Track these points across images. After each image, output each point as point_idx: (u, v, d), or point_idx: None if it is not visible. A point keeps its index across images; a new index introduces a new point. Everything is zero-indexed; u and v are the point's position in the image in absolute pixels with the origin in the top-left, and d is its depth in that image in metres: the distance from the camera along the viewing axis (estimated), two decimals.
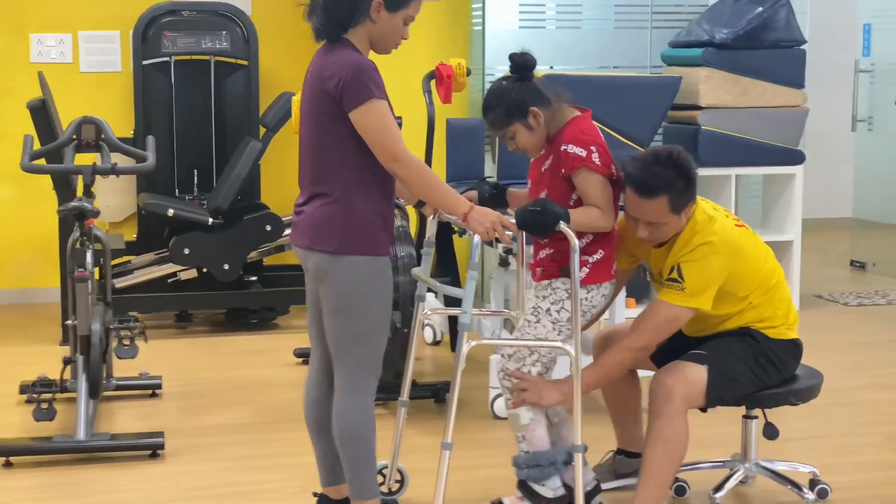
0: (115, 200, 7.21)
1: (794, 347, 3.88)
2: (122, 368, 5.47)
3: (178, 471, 4.43)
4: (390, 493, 4.07)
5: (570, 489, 3.89)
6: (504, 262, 5.27)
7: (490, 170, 6.11)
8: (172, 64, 7.09)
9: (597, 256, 3.74)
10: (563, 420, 3.89)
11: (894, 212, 8.41)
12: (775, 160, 7.09)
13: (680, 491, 4.08)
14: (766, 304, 3.80)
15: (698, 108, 6.95)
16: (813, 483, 4.10)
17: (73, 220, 4.77)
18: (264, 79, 7.21)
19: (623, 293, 4.99)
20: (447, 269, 5.90)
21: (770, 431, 4.00)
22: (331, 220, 3.45)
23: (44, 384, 4.89)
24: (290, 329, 6.64)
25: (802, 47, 7.08)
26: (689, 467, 4.13)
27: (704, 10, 7.32)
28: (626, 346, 3.73)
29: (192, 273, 6.65)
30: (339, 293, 3.48)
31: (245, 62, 7.17)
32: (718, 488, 3.98)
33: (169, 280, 6.66)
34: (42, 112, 6.04)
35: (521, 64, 3.77)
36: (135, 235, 7.11)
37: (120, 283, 6.51)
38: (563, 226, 3.56)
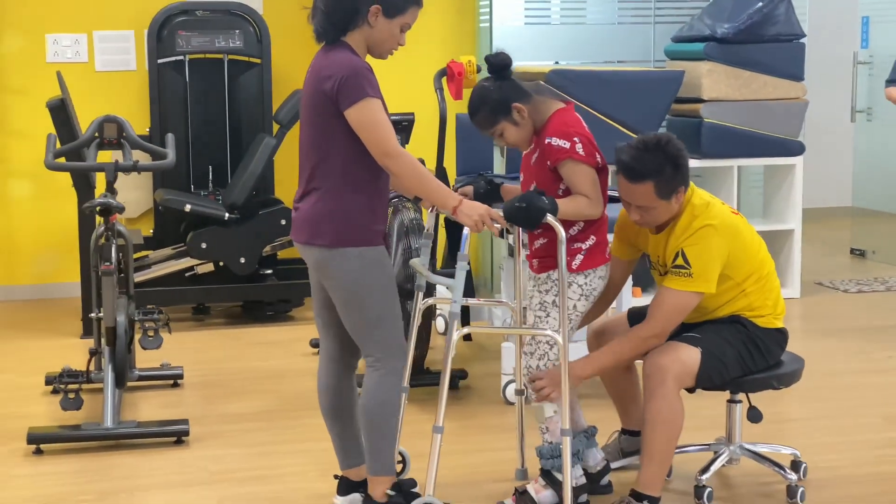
0: (131, 197, 7.37)
1: (781, 336, 4.02)
2: (144, 360, 5.64)
3: (202, 456, 4.59)
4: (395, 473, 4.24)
5: (589, 475, 4.06)
6: (513, 253, 5.42)
7: (499, 164, 6.26)
8: (187, 63, 7.25)
9: (589, 242, 3.89)
10: (574, 405, 4.05)
11: (893, 200, 8.56)
12: (776, 151, 7.24)
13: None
14: (758, 292, 3.93)
15: (701, 101, 7.10)
16: (795, 464, 4.22)
17: (99, 215, 4.93)
18: (277, 76, 7.37)
19: (630, 282, 5.14)
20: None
21: (754, 415, 4.10)
22: (325, 215, 3.63)
23: (70, 375, 5.04)
24: (305, 320, 6.80)
25: (802, 41, 7.23)
26: (676, 450, 4.27)
27: (706, 6, 7.47)
28: (640, 336, 3.85)
29: (209, 267, 6.80)
30: (343, 286, 3.66)
31: (258, 60, 7.33)
32: (704, 470, 4.07)
33: (186, 274, 6.82)
34: (61, 111, 6.19)
35: (497, 64, 3.91)
36: (152, 231, 7.27)
37: (138, 277, 6.66)
38: (549, 218, 3.71)
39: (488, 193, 4.08)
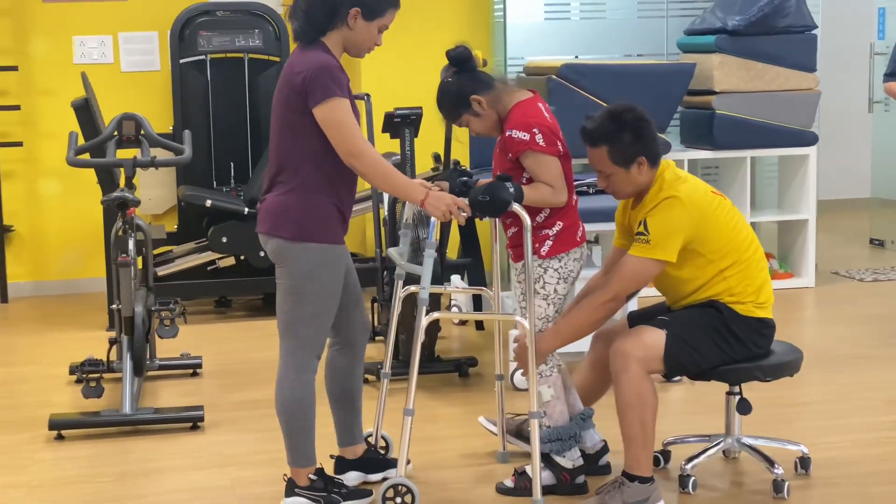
0: (156, 194, 7.56)
1: (763, 325, 3.97)
2: (164, 350, 5.82)
3: (217, 441, 4.75)
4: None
5: (587, 456, 4.16)
6: None
7: None
8: (208, 62, 7.42)
9: (556, 228, 3.99)
10: (569, 387, 4.17)
11: None
12: (789, 142, 7.31)
13: (655, 462, 4.13)
14: (738, 276, 3.91)
15: (713, 93, 7.18)
16: (804, 461, 4.23)
17: (116, 209, 5.10)
18: None
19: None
20: (469, 250, 6.17)
21: (743, 406, 4.11)
22: (289, 208, 3.76)
23: (91, 364, 5.21)
24: None
25: (814, 32, 7.29)
26: (676, 440, 4.35)
27: None
28: (597, 301, 3.91)
29: (230, 260, 6.97)
30: (293, 276, 3.79)
31: (277, 59, 7.49)
32: (690, 459, 4.12)
33: (208, 268, 6.99)
34: (85, 110, 6.36)
35: (456, 57, 4.05)
36: (176, 226, 7.45)
37: (162, 271, 6.84)
38: (515, 206, 3.83)
39: (464, 186, 4.12)
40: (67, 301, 7.48)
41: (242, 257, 6.93)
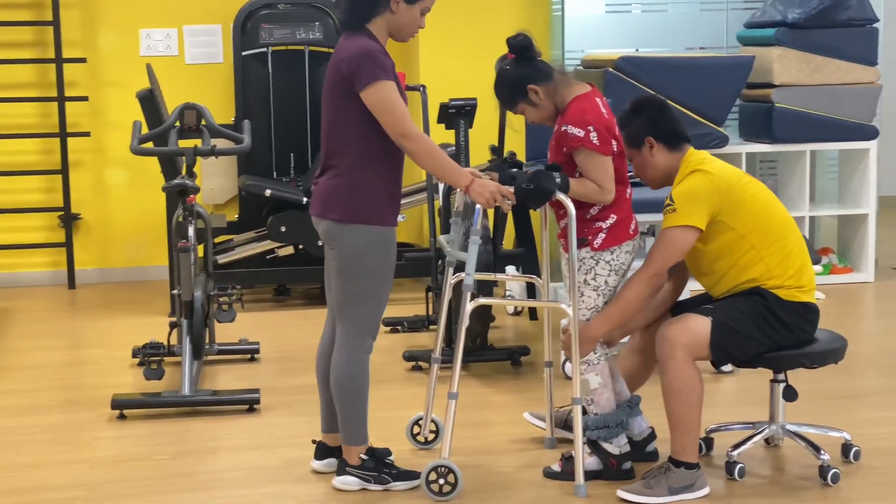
0: (218, 184, 7.70)
1: (807, 310, 3.99)
2: (224, 336, 5.94)
3: (272, 423, 4.86)
4: (426, 442, 4.44)
5: (634, 443, 4.20)
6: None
7: None
8: (269, 54, 7.55)
9: (610, 221, 4.02)
10: (615, 375, 4.21)
11: None
12: (849, 136, 7.27)
13: (698, 449, 4.12)
14: (776, 257, 3.94)
15: (772, 86, 7.16)
16: (846, 448, 4.25)
17: (177, 196, 5.23)
18: None
19: None
20: (524, 240, 6.23)
21: (789, 393, 4.13)
22: (339, 190, 3.86)
23: (153, 347, 5.34)
24: None
25: (875, 25, 7.24)
26: (719, 427, 4.37)
27: None
28: (638, 278, 3.96)
29: (289, 249, 7.08)
30: (343, 257, 3.88)
31: None
32: (737, 446, 4.15)
33: (267, 257, 7.12)
34: (150, 101, 6.51)
35: (516, 45, 4.08)
36: (236, 216, 7.59)
37: (223, 259, 6.98)
38: (560, 195, 3.88)
39: (511, 180, 4.17)
40: (131, 288, 7.65)
41: (301, 246, 7.04)
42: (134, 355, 5.68)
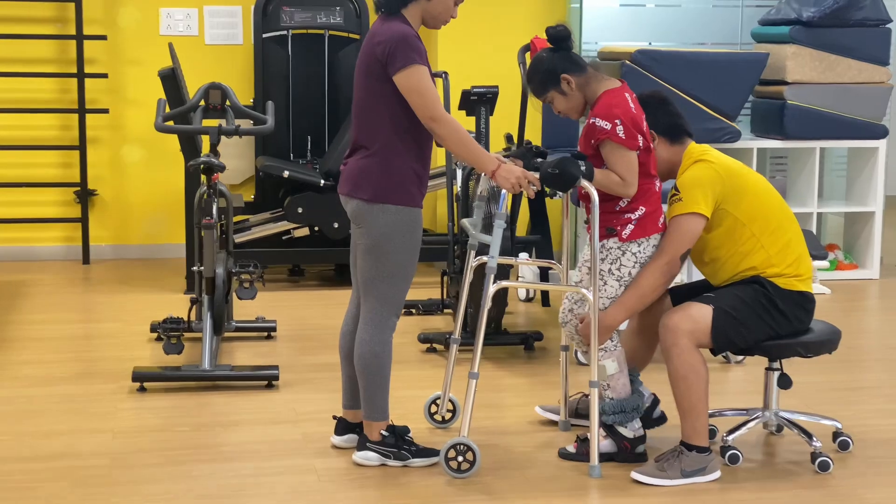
0: (235, 164, 7.78)
1: (804, 300, 4.09)
2: (240, 314, 6.03)
3: (291, 398, 4.95)
4: (443, 420, 4.54)
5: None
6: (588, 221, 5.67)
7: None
8: (290, 37, 7.62)
9: (639, 213, 4.09)
10: (621, 365, 4.28)
11: None
12: (859, 134, 7.36)
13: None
14: (775, 245, 4.05)
15: (785, 83, 7.25)
16: (836, 435, 4.35)
17: (202, 174, 5.32)
18: None
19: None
20: (538, 227, 6.32)
21: (784, 381, 4.25)
22: (369, 171, 3.94)
23: (173, 322, 5.43)
24: None
25: (888, 26, 7.33)
26: (714, 412, 4.39)
27: None
28: (652, 267, 4.07)
29: (305, 231, 7.17)
30: (371, 236, 3.97)
31: (357, 36, 7.67)
32: (731, 431, 4.25)
33: (283, 237, 7.20)
34: (172, 80, 6.59)
35: (555, 35, 4.16)
36: (253, 196, 7.67)
37: (239, 238, 7.06)
38: (584, 182, 3.97)
39: (534, 170, 4.21)
40: (146, 265, 7.74)
41: (317, 228, 7.12)
42: (153, 330, 5.77)
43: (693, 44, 7.78)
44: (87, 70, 7.69)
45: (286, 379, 5.16)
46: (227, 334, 5.79)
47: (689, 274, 5.73)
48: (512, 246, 5.58)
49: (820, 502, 3.92)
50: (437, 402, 4.56)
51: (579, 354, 5.38)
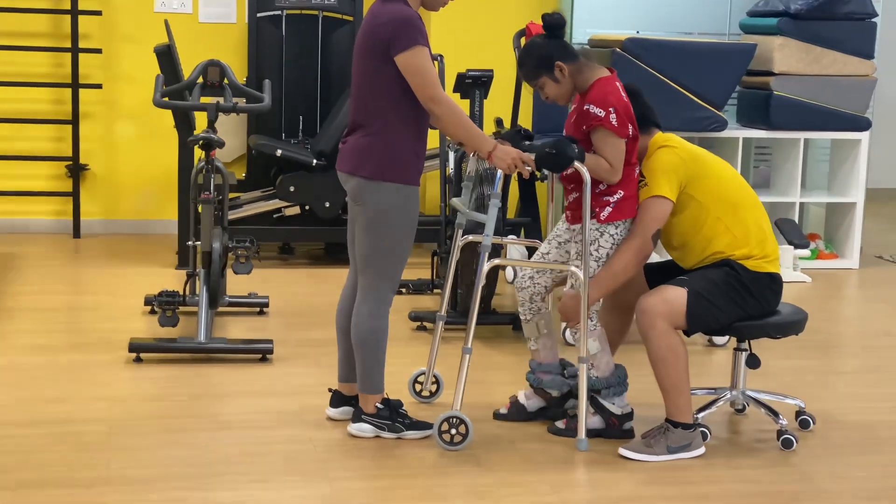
0: (227, 142, 7.77)
1: (772, 281, 4.21)
2: (233, 289, 6.12)
3: (284, 372, 5.04)
4: (428, 396, 4.65)
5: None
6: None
7: None
8: (284, 17, 7.69)
9: (617, 196, 4.19)
10: (603, 345, 4.39)
11: None
12: (843, 126, 7.49)
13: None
14: (739, 226, 4.17)
15: (772, 74, 7.36)
16: (798, 414, 4.50)
17: (201, 149, 5.39)
18: None
19: None
20: (529, 210, 6.43)
21: (752, 361, 4.39)
22: (370, 149, 4.04)
23: (168, 295, 5.51)
24: None
25: (874, 20, 7.45)
26: None
27: None
28: (625, 248, 4.18)
29: (296, 209, 7.25)
30: (371, 213, 4.07)
31: (350, 18, 7.74)
32: (701, 409, 4.37)
33: (274, 215, 7.28)
34: (167, 56, 6.65)
35: (551, 23, 4.24)
36: (244, 175, 7.74)
37: (230, 215, 7.12)
38: (577, 164, 4.08)
39: (524, 149, 4.29)
40: (137, 240, 7.81)
41: (307, 207, 7.20)
42: (147, 303, 5.84)
43: (682, 33, 7.87)
44: (81, 45, 7.74)
45: (279, 353, 5.25)
46: (220, 309, 5.87)
47: (663, 254, 5.85)
48: (503, 227, 5.69)
49: (779, 478, 4.04)
50: (421, 377, 4.66)
51: (567, 334, 5.50)
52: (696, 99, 7.07)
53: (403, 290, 6.43)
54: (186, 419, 4.43)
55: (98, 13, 7.76)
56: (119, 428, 4.29)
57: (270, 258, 7.35)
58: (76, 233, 7.86)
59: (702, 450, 4.17)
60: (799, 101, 7.37)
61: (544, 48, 4.23)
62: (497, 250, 5.57)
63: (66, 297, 6.40)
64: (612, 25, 7.73)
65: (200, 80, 5.61)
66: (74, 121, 7.80)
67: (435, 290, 6.35)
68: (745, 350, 4.43)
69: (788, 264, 7.14)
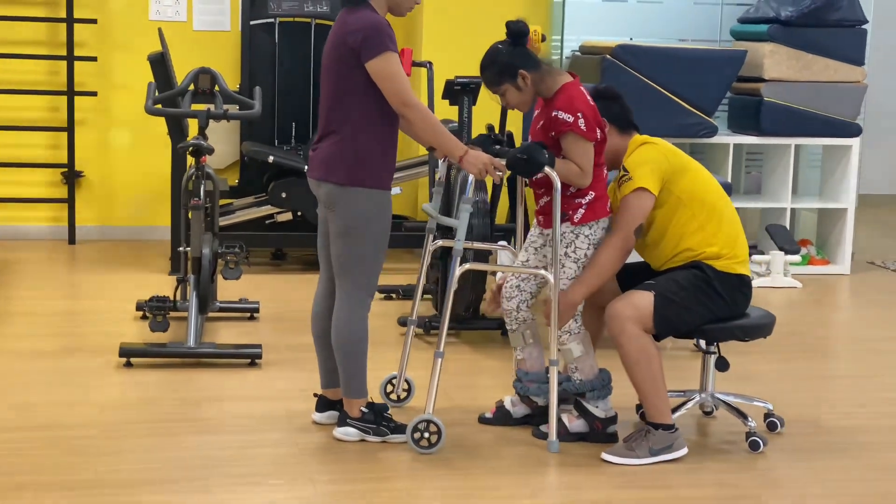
0: (219, 149, 7.81)
1: (742, 283, 4.23)
2: (224, 294, 6.15)
3: (273, 377, 5.08)
4: (399, 400, 4.68)
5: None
6: None
7: None
8: (277, 25, 7.74)
9: (589, 197, 4.21)
10: (588, 350, 4.43)
11: None
12: (834, 132, 7.52)
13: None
14: (711, 223, 4.20)
15: (762, 80, 7.41)
16: (766, 416, 4.52)
17: (191, 156, 5.44)
18: None
19: None
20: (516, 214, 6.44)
21: (721, 364, 4.41)
22: (342, 155, 4.07)
23: (159, 301, 5.54)
24: None
25: (864, 27, 7.49)
26: None
27: None
28: (608, 244, 4.20)
29: (288, 216, 7.29)
30: (344, 219, 4.10)
31: None
32: (672, 412, 4.32)
33: (266, 221, 7.32)
34: (161, 64, 6.70)
35: (515, 31, 4.25)
36: (237, 181, 7.79)
37: (223, 221, 7.16)
38: (547, 170, 4.11)
39: (495, 154, 4.33)
40: (131, 246, 7.85)
41: (300, 213, 7.24)
42: (139, 308, 5.88)
43: (673, 40, 7.93)
44: (76, 53, 7.79)
45: (269, 358, 5.29)
46: (210, 314, 5.91)
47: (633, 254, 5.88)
48: (491, 233, 5.73)
49: (749, 481, 4.07)
50: (393, 381, 4.69)
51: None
52: (686, 105, 7.12)
53: (394, 295, 6.49)
54: (178, 423, 4.47)
55: (93, 21, 7.81)
56: (109, 432, 4.33)
57: (263, 264, 7.40)
58: (71, 239, 7.91)
59: (684, 450, 4.20)
60: (790, 108, 7.41)
61: (508, 56, 4.24)
62: (485, 256, 5.61)
63: (59, 302, 6.44)
64: (603, 32, 7.78)
65: (192, 87, 5.67)
66: (70, 128, 7.85)
67: (425, 296, 6.38)
68: (714, 353, 4.45)
69: (780, 270, 7.18)
